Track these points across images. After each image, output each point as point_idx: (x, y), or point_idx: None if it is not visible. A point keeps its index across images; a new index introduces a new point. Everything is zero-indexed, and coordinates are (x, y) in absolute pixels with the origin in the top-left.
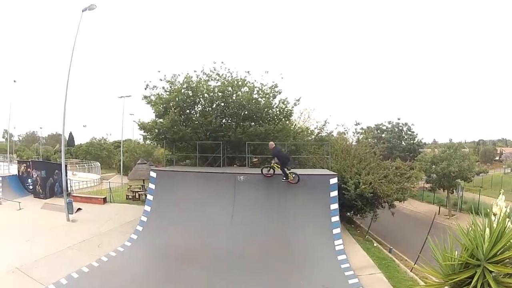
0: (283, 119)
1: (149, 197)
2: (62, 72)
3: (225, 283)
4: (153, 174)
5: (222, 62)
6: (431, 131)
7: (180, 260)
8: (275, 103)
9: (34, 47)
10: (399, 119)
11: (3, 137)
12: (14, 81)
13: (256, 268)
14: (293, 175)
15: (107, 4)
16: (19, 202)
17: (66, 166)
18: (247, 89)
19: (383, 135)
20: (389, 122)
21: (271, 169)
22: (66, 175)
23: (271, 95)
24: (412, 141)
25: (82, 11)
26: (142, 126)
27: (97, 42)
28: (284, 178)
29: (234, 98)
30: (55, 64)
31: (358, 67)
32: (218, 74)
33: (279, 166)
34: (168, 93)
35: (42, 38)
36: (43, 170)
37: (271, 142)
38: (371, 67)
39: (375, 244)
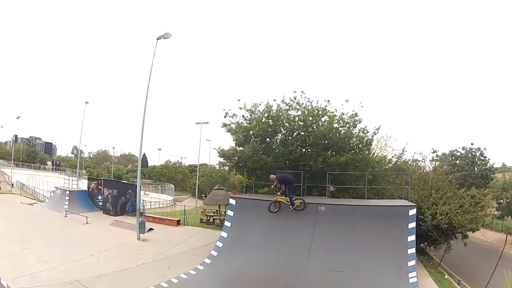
0: (363, 149)
1: (227, 223)
2: (137, 95)
3: None
4: (232, 201)
5: (302, 92)
6: (500, 154)
7: None
8: (355, 132)
9: (111, 70)
10: (472, 144)
11: (72, 153)
12: (86, 102)
13: None
14: (300, 201)
15: (187, 31)
16: (87, 217)
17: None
18: (327, 118)
19: (457, 162)
20: (463, 148)
21: (277, 204)
22: (140, 195)
23: (351, 124)
24: (484, 167)
25: (157, 39)
26: (222, 154)
27: (175, 68)
28: (291, 207)
29: (314, 127)
30: (131, 86)
31: (432, 92)
32: (298, 103)
33: (284, 198)
34: (248, 121)
35: (119, 63)
36: (115, 189)
37: (272, 175)
38: (445, 91)
39: (446, 277)
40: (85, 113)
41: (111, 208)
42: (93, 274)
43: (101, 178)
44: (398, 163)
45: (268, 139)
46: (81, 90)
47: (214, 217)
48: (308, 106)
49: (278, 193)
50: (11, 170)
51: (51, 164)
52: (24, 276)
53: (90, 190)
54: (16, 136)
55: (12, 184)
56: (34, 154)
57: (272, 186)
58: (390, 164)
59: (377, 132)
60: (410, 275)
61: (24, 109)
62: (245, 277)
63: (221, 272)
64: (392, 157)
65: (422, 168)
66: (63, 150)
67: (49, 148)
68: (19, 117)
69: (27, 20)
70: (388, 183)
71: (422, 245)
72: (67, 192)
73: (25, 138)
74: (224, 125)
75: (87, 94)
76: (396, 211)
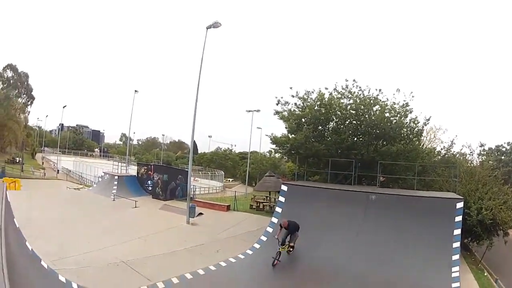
0: (414, 139)
1: (278, 209)
2: (188, 83)
3: None
4: (284, 187)
5: (354, 80)
6: None
7: (299, 276)
8: (406, 122)
9: (162, 59)
10: None
11: (121, 140)
12: (136, 91)
13: None
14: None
15: (239, 19)
16: (136, 201)
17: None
18: (379, 108)
19: (502, 158)
20: (508, 144)
21: (279, 255)
22: (191, 180)
23: (402, 114)
24: None
25: (207, 28)
26: (275, 140)
27: (227, 56)
28: (291, 250)
29: (366, 116)
30: (181, 75)
31: (480, 84)
32: (350, 92)
33: (290, 248)
34: (300, 109)
35: (170, 51)
36: (165, 174)
37: (284, 220)
38: (493, 83)
39: (485, 274)
40: (134, 101)
41: (160, 192)
42: (140, 256)
43: (151, 164)
44: (447, 156)
45: (320, 127)
46: (130, 78)
47: (264, 203)
48: (360, 95)
49: (280, 244)
50: (57, 157)
51: (98, 151)
52: (69, 257)
53: (140, 175)
54: (62, 125)
55: (58, 170)
56: (81, 141)
57: (278, 234)
58: (439, 157)
59: (427, 123)
60: (453, 269)
61: (71, 99)
62: (293, 263)
63: (270, 258)
64: (441, 149)
65: (469, 161)
66: (111, 138)
67: (96, 135)
68: (65, 106)
69: (77, 8)
70: (437, 175)
71: (465, 240)
72: (116, 177)
73: (71, 127)
74: (277, 112)
75: (136, 83)
76: (445, 203)
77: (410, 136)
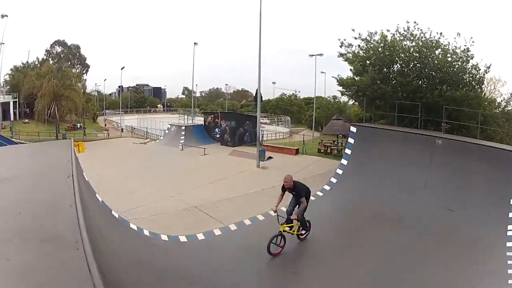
0: (476, 86)
1: (347, 151)
2: (247, 30)
3: (401, 247)
4: (353, 129)
5: (415, 22)
6: None
7: (367, 219)
8: (468, 68)
9: (219, 9)
10: None
11: (183, 94)
12: (195, 43)
13: (438, 240)
14: (308, 223)
15: None
16: (204, 149)
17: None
18: (441, 51)
19: None
20: None
21: (280, 239)
22: (259, 124)
23: (464, 59)
24: None
25: None
26: (341, 82)
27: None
28: (302, 234)
29: (429, 59)
30: (240, 22)
31: None
32: (412, 34)
33: (289, 226)
34: (364, 51)
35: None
36: (232, 121)
37: (288, 176)
38: None
39: None
40: (194, 53)
41: (229, 139)
42: (212, 200)
43: (218, 112)
44: (506, 108)
45: (385, 69)
46: (187, 31)
47: (332, 147)
48: (422, 37)
49: (285, 221)
50: (120, 117)
51: (161, 106)
52: (140, 207)
53: (207, 124)
54: (121, 87)
55: (122, 129)
56: (142, 99)
57: (277, 203)
58: (499, 108)
59: (488, 71)
60: (509, 227)
61: (128, 60)
62: (361, 205)
63: (339, 199)
64: (501, 101)
65: None
66: (173, 93)
67: (158, 92)
68: (123, 67)
69: None
70: (498, 127)
71: None
72: (183, 128)
73: (131, 87)
74: (341, 54)
75: (194, 35)
76: (504, 155)
77: (473, 83)
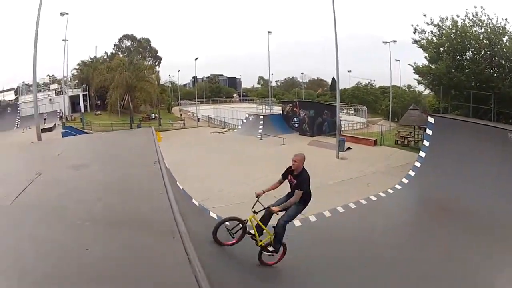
0: None
1: (425, 143)
2: (320, 19)
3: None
4: (431, 119)
5: (482, 7)
6: None
7: (442, 213)
8: None
9: None
10: None
11: (258, 83)
12: (269, 32)
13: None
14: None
15: None
16: (283, 138)
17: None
18: (508, 39)
19: None
20: None
21: (241, 229)
22: (338, 115)
23: None
24: None
25: None
26: (417, 70)
27: None
28: (270, 250)
29: (499, 47)
30: (313, 10)
31: None
32: (480, 20)
33: (260, 232)
34: (437, 37)
35: None
36: (311, 110)
37: (301, 155)
38: None
39: None
40: (269, 43)
41: (307, 128)
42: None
43: (296, 101)
44: None
45: (458, 57)
46: (260, 21)
47: (409, 138)
48: (489, 23)
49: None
50: (195, 107)
51: (237, 96)
52: (219, 195)
53: (285, 113)
54: (195, 78)
55: (198, 119)
56: (218, 89)
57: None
58: None
59: None
60: None
61: (201, 51)
62: (438, 198)
63: (418, 193)
64: None
65: None
66: (248, 82)
67: (233, 82)
68: (197, 58)
69: None
70: None
71: None
72: (261, 117)
73: (206, 77)
74: (415, 41)
75: (267, 24)
76: None
77: None
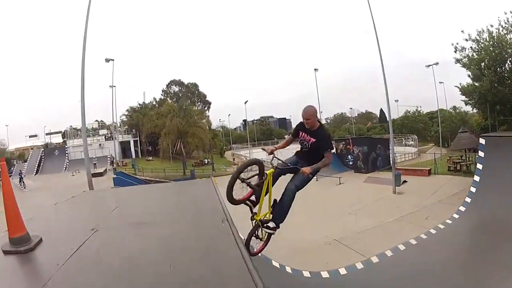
0: None
1: (478, 165)
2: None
3: None
4: (482, 141)
5: (511, 12)
6: None
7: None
8: None
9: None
10: None
11: None
12: (316, 69)
13: None
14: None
15: None
16: (339, 177)
17: (389, 140)
18: None
19: None
20: None
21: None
22: (393, 147)
23: None
24: None
25: None
26: (464, 91)
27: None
28: (270, 227)
29: None
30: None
31: None
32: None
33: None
34: (477, 52)
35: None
36: (364, 146)
37: (311, 108)
38: None
39: None
40: (317, 80)
41: (362, 165)
42: (351, 232)
43: (348, 137)
44: None
45: (498, 69)
46: (302, 57)
47: (461, 163)
48: None
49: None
50: (248, 150)
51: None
52: (279, 241)
53: (339, 152)
54: (245, 121)
55: None
56: (269, 131)
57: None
58: None
59: None
60: None
61: (249, 94)
62: (498, 220)
63: (476, 219)
64: None
65: None
66: (297, 121)
67: (283, 123)
68: (246, 101)
69: None
70: None
71: None
72: None
73: (256, 120)
74: (457, 60)
75: (309, 60)
76: None
77: None
